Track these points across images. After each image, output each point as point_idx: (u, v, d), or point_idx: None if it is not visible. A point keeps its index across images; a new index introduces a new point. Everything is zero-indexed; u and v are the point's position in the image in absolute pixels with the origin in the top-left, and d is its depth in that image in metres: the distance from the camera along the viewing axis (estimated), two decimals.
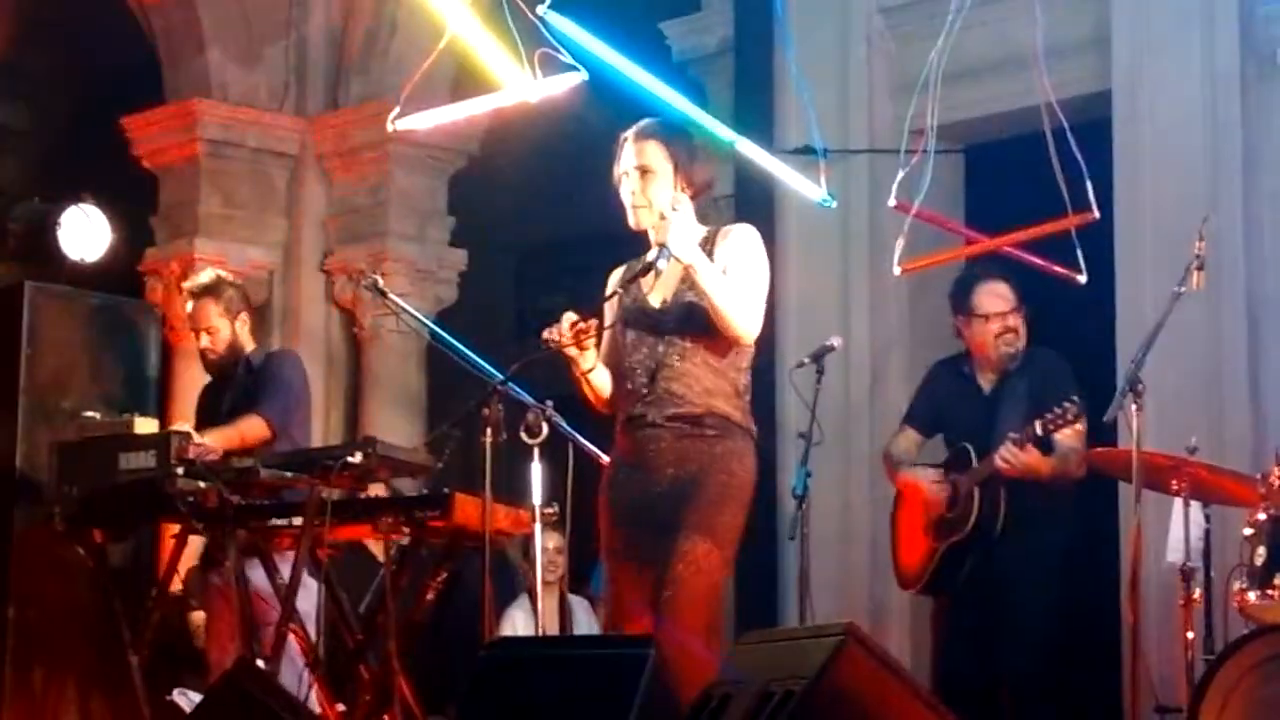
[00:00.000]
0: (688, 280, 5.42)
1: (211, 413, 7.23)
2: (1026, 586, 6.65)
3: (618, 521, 5.49)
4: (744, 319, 5.39)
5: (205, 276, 7.36)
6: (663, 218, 5.46)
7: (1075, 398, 6.41)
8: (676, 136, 5.62)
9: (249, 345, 7.31)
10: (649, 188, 5.53)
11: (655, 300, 5.54)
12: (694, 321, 5.42)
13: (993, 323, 6.84)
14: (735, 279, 5.40)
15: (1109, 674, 7.10)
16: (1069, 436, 6.60)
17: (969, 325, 6.92)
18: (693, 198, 5.54)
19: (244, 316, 7.29)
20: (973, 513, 6.65)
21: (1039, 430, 6.44)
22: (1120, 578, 6.96)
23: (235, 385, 7.21)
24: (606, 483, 5.57)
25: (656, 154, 5.55)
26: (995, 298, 6.85)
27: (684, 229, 5.36)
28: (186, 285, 7.40)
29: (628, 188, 5.56)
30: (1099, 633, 7.40)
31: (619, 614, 5.47)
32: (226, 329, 7.23)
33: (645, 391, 5.46)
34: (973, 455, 6.72)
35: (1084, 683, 7.62)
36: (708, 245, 5.48)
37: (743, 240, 5.51)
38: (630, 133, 5.67)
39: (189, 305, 7.29)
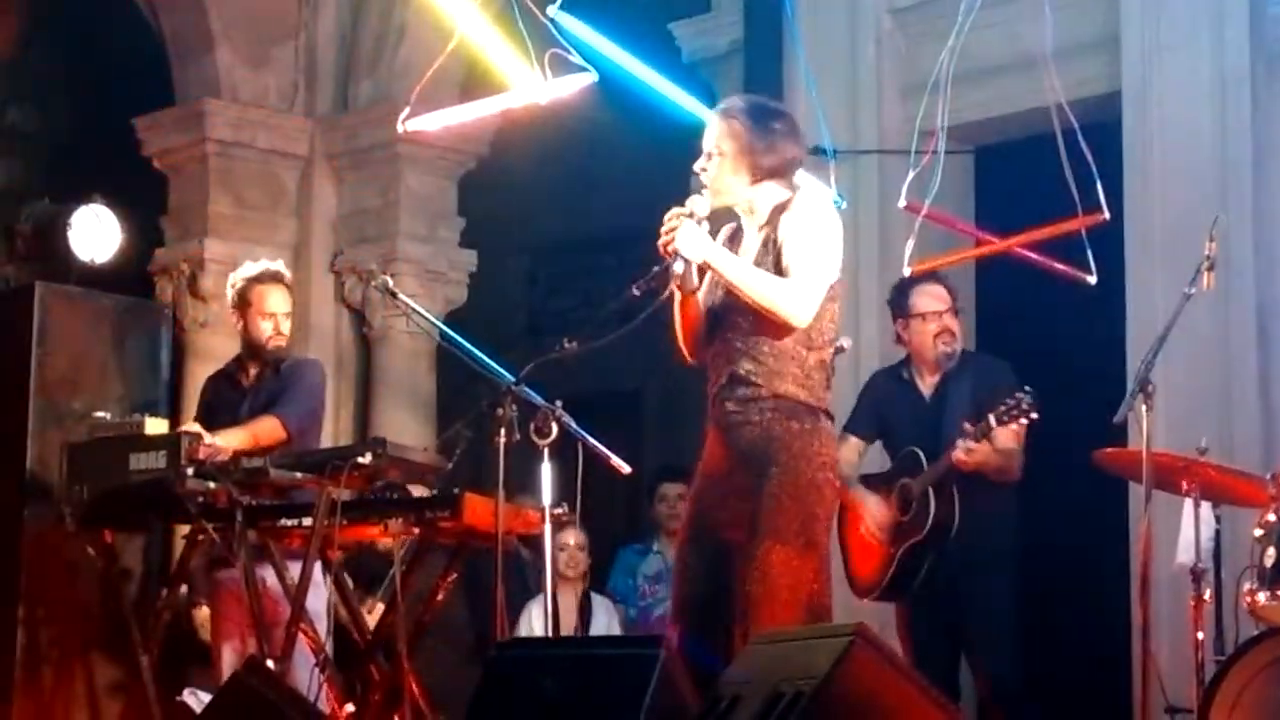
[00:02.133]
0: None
1: (230, 407, 7.20)
2: (986, 578, 6.76)
3: (694, 513, 5.47)
4: (786, 302, 5.25)
5: (276, 265, 7.31)
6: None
7: (1027, 389, 6.52)
8: (754, 117, 5.42)
9: None
10: (715, 169, 5.40)
11: (708, 294, 5.43)
12: (746, 306, 5.30)
13: (930, 322, 6.98)
14: (786, 258, 5.29)
15: (1119, 674, 7.09)
16: (1008, 438, 6.73)
17: (907, 327, 7.05)
18: (754, 182, 5.38)
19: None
20: (930, 513, 6.75)
21: (993, 422, 6.60)
22: (1130, 578, 6.98)
23: (259, 386, 7.17)
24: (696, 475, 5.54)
25: (727, 136, 5.39)
26: (931, 298, 6.98)
27: (694, 230, 5.29)
28: (259, 270, 7.25)
29: (699, 166, 5.44)
30: (1109, 632, 7.40)
31: (684, 605, 5.43)
32: (289, 318, 7.23)
33: (720, 381, 5.39)
34: (923, 459, 6.82)
35: (1091, 681, 7.63)
36: (775, 216, 5.37)
37: (802, 213, 5.35)
38: (717, 108, 5.53)
39: (269, 291, 7.16)
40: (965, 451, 6.64)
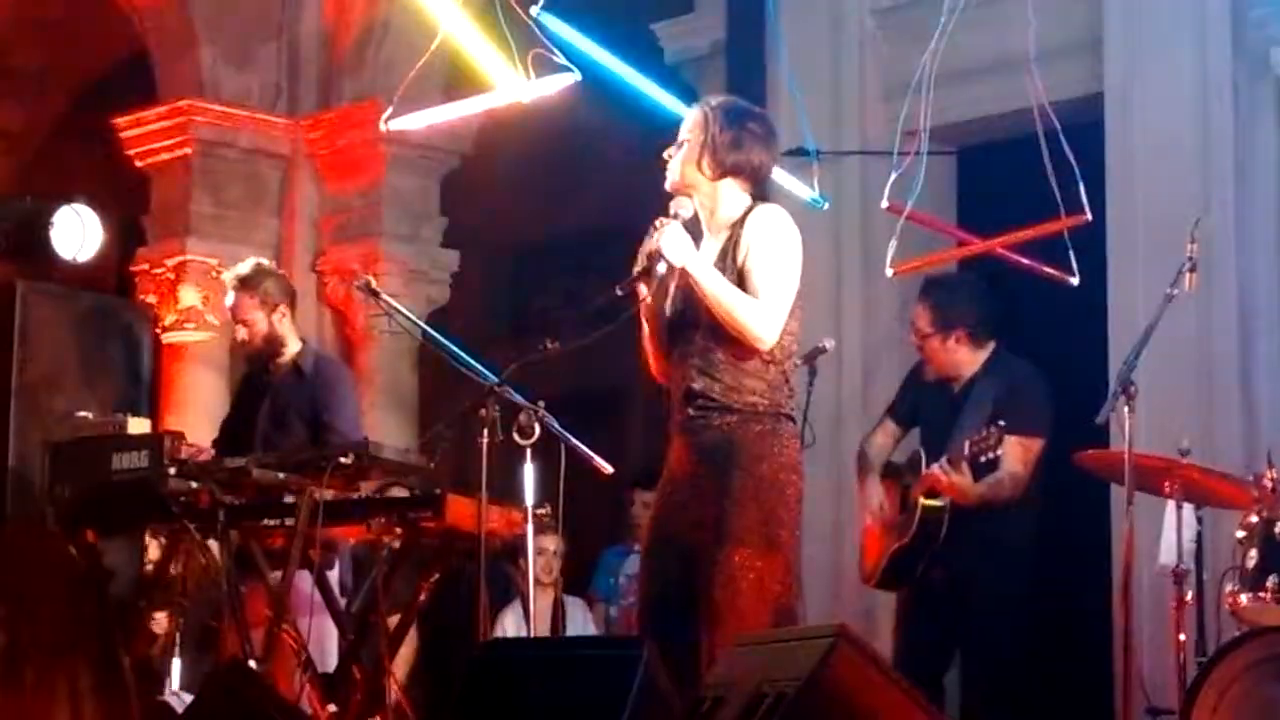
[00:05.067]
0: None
1: (251, 404, 7.23)
2: (981, 581, 6.68)
3: (658, 516, 5.45)
4: (754, 323, 5.21)
5: (244, 267, 7.34)
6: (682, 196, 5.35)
7: (1002, 423, 6.39)
8: (726, 112, 5.38)
9: (290, 340, 7.28)
10: (678, 154, 5.38)
11: (670, 305, 5.40)
12: (710, 321, 5.27)
13: (915, 338, 6.96)
14: (753, 276, 5.24)
15: (1101, 675, 7.10)
16: (1014, 462, 6.62)
17: None
18: (715, 178, 5.35)
19: (283, 309, 7.26)
20: (915, 520, 6.72)
21: (966, 452, 6.49)
22: (1112, 580, 6.99)
23: (281, 388, 7.19)
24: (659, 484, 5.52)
25: (695, 125, 5.37)
26: (915, 318, 6.97)
27: (678, 233, 5.25)
28: (225, 276, 7.38)
29: (667, 152, 5.42)
30: (1091, 634, 7.41)
31: (650, 607, 5.41)
32: (263, 322, 7.22)
33: (678, 396, 5.37)
34: (924, 462, 6.78)
35: (1073, 683, 7.64)
36: (736, 228, 5.33)
37: (764, 228, 5.29)
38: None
39: (229, 297, 7.29)
40: (941, 475, 6.56)
